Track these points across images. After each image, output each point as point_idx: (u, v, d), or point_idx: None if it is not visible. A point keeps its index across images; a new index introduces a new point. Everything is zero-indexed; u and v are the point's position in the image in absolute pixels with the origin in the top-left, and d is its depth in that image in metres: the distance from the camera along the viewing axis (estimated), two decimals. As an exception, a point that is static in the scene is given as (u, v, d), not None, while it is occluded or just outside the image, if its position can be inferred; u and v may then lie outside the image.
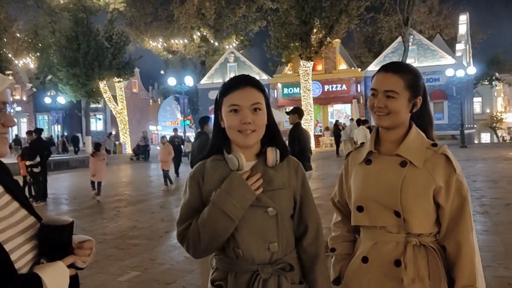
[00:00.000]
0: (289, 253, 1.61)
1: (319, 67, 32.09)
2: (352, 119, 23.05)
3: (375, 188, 1.72)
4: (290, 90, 33.29)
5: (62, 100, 33.05)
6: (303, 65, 26.80)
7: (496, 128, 46.56)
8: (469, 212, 1.67)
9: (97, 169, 10.61)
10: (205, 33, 36.85)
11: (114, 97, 32.88)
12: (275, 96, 33.67)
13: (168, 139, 14.49)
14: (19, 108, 45.11)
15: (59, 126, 35.12)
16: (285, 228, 1.61)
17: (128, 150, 31.85)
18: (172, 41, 37.53)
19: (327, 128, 30.61)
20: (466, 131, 26.27)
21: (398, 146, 1.73)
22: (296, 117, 6.89)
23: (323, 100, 32.43)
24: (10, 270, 1.06)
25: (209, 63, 37.82)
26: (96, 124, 45.72)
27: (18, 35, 37.27)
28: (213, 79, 35.90)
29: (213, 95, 29.47)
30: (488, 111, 48.38)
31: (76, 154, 28.75)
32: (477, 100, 46.38)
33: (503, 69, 45.75)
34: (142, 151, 25.87)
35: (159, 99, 55.47)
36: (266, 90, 1.72)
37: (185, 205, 1.63)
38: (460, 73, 26.08)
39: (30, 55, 38.10)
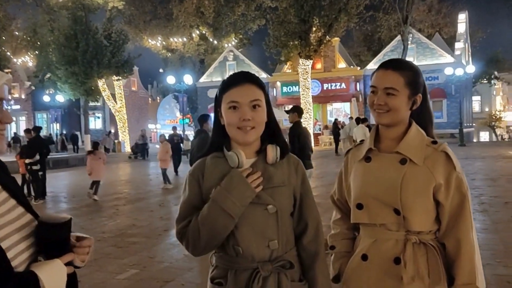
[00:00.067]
0: (289, 251, 1.61)
1: (318, 66, 32.07)
2: (351, 118, 23.04)
3: (374, 186, 1.71)
4: (289, 89, 33.28)
5: (61, 98, 33.02)
6: (302, 63, 26.78)
7: (495, 127, 46.61)
8: (469, 210, 1.66)
9: (93, 168, 10.60)
10: (204, 32, 36.82)
11: (113, 96, 32.85)
12: (274, 94, 33.65)
13: (167, 137, 14.49)
14: (17, 106, 45.07)
15: (57, 124, 35.08)
16: (285, 226, 1.60)
17: (127, 148, 31.84)
18: (171, 39, 37.50)
19: (326, 127, 30.60)
20: (465, 130, 26.28)
21: (398, 143, 1.72)
22: (296, 116, 6.90)
23: (322, 99, 32.42)
24: (6, 268, 1.05)
25: (208, 61, 37.79)
26: (95, 123, 45.68)
27: (16, 33, 37.20)
28: (212, 78, 35.88)
29: (212, 93, 29.47)
30: (487, 109, 48.40)
31: (77, 152, 28.70)
32: (476, 99, 46.40)
33: (502, 67, 45.83)
34: (140, 150, 25.85)
35: (158, 98, 55.46)
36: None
37: (185, 202, 1.62)
38: (459, 72, 26.09)
39: (28, 53, 38.05)
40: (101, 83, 31.28)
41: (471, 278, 1.63)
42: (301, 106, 18.77)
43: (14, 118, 44.36)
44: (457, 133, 25.45)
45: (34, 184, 10.76)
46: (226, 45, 37.59)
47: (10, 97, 32.38)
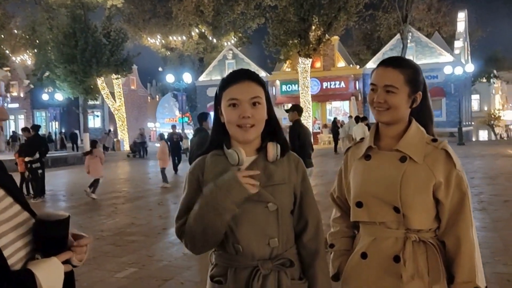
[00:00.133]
0: (289, 249, 1.60)
1: (318, 64, 32.03)
2: (350, 117, 23.05)
3: (374, 184, 1.70)
4: (289, 87, 33.25)
5: (59, 97, 32.94)
6: (302, 62, 26.77)
7: (494, 126, 46.63)
8: (469, 208, 1.66)
9: (91, 166, 10.57)
10: (203, 30, 36.80)
11: (112, 94, 32.80)
12: (274, 93, 33.61)
13: (166, 136, 14.48)
14: (16, 105, 44.99)
15: (56, 123, 35.05)
16: (285, 224, 1.60)
17: (126, 147, 31.81)
18: (171, 38, 37.48)
19: (325, 126, 30.59)
20: (464, 129, 26.31)
21: (398, 141, 1.72)
22: (296, 114, 6.93)
23: (321, 97, 32.40)
24: (2, 266, 1.04)
25: (207, 60, 37.77)
26: (94, 121, 45.61)
27: (15, 31, 37.12)
28: (212, 76, 35.84)
29: (212, 92, 29.44)
30: (486, 108, 48.41)
31: (77, 151, 28.67)
32: (475, 98, 46.39)
33: (501, 66, 45.84)
34: (139, 148, 25.84)
35: (157, 96, 55.36)
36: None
37: (184, 200, 1.62)
38: (458, 71, 26.09)
39: (27, 51, 37.94)
40: (100, 82, 31.23)
41: (471, 276, 1.62)
42: (301, 104, 18.77)
43: (12, 117, 44.36)
44: (456, 132, 25.47)
45: (33, 183, 10.75)
46: (225, 43, 37.56)
47: (8, 95, 32.22)
